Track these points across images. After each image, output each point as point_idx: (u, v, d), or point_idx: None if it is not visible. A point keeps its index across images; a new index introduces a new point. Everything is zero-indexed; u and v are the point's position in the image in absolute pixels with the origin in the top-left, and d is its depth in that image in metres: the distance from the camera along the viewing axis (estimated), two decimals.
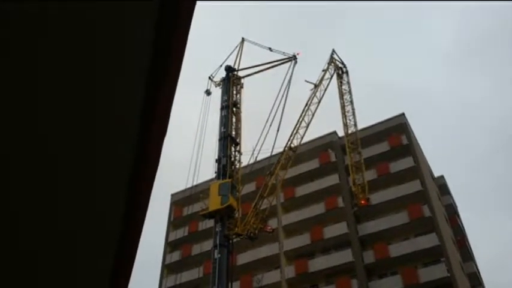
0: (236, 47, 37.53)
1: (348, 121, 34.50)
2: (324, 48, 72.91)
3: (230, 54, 36.95)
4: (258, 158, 33.15)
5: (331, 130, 46.06)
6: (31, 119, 2.16)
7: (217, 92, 35.25)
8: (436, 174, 49.08)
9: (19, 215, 2.46)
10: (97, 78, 2.18)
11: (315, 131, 54.66)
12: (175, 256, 45.89)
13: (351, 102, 34.80)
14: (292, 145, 32.02)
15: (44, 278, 2.98)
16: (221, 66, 36.12)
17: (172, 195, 51.61)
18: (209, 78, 36.03)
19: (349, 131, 34.48)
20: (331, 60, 35.06)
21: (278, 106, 32.48)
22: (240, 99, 34.45)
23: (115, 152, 2.52)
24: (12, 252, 2.64)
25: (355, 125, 34.49)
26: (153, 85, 2.33)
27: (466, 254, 42.91)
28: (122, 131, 2.44)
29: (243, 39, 37.92)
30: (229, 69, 35.59)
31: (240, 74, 36.06)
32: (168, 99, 2.46)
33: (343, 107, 34.71)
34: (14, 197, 2.41)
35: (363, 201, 31.97)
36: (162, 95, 2.41)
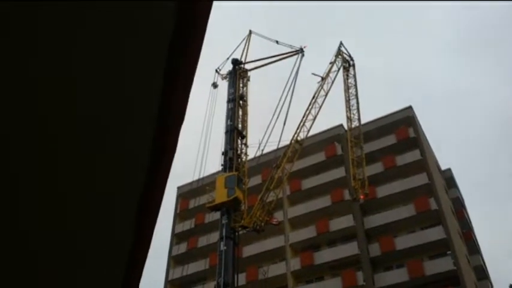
0: (243, 39, 37.40)
1: (352, 115, 34.33)
2: (322, 45, 72.38)
3: (237, 47, 36.85)
4: (265, 151, 33.25)
5: (337, 123, 45.95)
6: (41, 121, 2.15)
7: (224, 85, 35.27)
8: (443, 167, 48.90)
9: (30, 221, 2.47)
10: (114, 74, 2.18)
11: (321, 125, 54.59)
12: (182, 248, 46.22)
13: (356, 96, 34.59)
14: (298, 138, 31.96)
15: (59, 285, 3.00)
16: (228, 59, 36.06)
17: (179, 188, 51.78)
18: (216, 71, 35.99)
19: (353, 125, 34.33)
20: (339, 52, 34.82)
21: (285, 99, 32.46)
22: (246, 92, 34.42)
23: (128, 155, 2.50)
24: (26, 261, 2.65)
25: (359, 119, 34.31)
26: (170, 79, 2.32)
27: (473, 247, 42.84)
28: (136, 132, 2.43)
29: (250, 32, 37.74)
30: (235, 62, 35.48)
31: (247, 67, 35.98)
32: (185, 93, 2.44)
33: (347, 100, 34.50)
34: (25, 202, 2.41)
35: (362, 196, 32.02)
36: (179, 88, 2.39)
